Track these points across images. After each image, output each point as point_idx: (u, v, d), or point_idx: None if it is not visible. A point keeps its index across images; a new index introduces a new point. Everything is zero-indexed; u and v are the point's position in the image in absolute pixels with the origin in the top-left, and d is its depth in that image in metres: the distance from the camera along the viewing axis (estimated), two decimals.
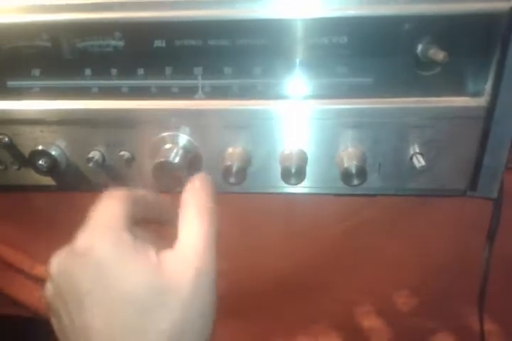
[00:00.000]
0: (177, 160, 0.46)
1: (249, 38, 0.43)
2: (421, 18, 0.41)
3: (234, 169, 0.46)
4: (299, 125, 0.47)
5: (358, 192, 0.51)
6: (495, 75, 0.43)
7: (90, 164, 0.48)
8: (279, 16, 0.42)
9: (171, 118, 0.47)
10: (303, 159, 0.47)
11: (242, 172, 0.46)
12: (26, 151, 0.49)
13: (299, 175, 0.46)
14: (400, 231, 0.59)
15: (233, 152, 0.47)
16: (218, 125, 0.47)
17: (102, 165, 0.49)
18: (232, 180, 0.46)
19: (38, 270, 0.63)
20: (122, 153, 0.49)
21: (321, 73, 0.45)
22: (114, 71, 0.46)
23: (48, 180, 0.51)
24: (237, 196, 0.52)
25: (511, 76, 0.42)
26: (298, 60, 0.44)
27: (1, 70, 0.47)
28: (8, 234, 0.62)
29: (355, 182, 0.46)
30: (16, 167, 0.50)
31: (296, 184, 0.47)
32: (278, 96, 0.46)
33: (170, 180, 0.46)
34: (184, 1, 0.43)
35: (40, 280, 0.62)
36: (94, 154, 0.49)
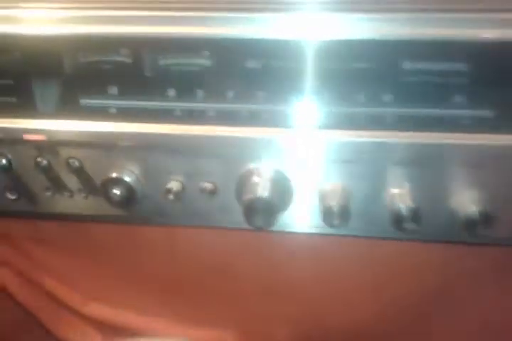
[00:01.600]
0: (268, 195, 0.40)
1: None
2: None
3: (336, 209, 0.40)
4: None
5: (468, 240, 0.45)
6: None
7: (169, 195, 0.43)
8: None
9: (262, 148, 0.42)
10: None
11: (347, 212, 0.40)
12: (98, 178, 0.44)
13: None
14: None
15: (333, 189, 0.42)
16: (320, 158, 0.42)
17: (181, 196, 0.44)
18: (335, 222, 0.40)
19: (90, 308, 0.57)
20: (204, 184, 0.44)
21: (437, 104, 0.39)
22: (200, 92, 0.41)
23: (118, 211, 0.46)
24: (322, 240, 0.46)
25: None
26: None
27: (74, 86, 0.42)
28: (62, 267, 0.57)
29: (480, 230, 0.40)
30: (83, 195, 0.45)
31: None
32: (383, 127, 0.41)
33: (262, 217, 0.40)
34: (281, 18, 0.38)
35: (88, 319, 0.56)
36: (174, 184, 0.43)
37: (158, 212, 0.45)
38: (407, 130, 0.40)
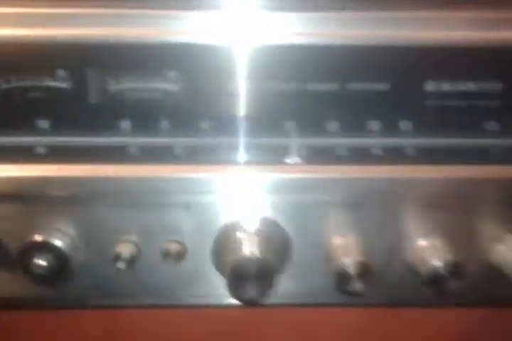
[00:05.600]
0: (262, 254, 0.30)
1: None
2: None
3: (353, 271, 0.30)
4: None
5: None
6: None
7: (119, 263, 0.31)
8: None
9: (246, 192, 0.32)
10: None
11: (369, 275, 0.30)
12: (15, 244, 0.31)
13: None
14: None
15: (345, 243, 0.32)
16: (321, 201, 0.32)
17: (136, 264, 0.32)
18: (350, 287, 0.30)
19: None
20: (169, 244, 0.32)
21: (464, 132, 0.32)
22: (164, 124, 0.31)
23: (42, 291, 0.32)
24: None
25: None
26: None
27: None
28: None
29: (450, 286, 0.31)
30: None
31: None
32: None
33: (253, 285, 0.29)
34: None
35: None
36: (125, 247, 0.31)
37: (101, 289, 0.33)
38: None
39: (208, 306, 0.33)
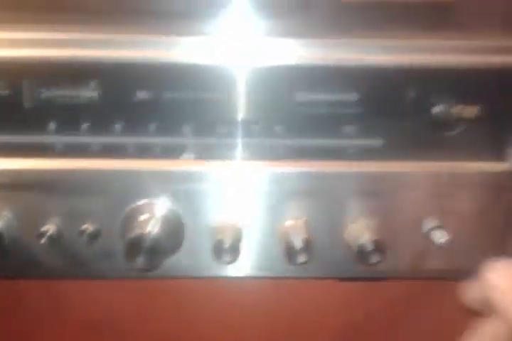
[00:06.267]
0: (156, 233, 0.37)
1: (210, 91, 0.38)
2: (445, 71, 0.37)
3: (227, 245, 0.37)
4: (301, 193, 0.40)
5: (367, 275, 0.43)
6: None
7: (42, 240, 0.38)
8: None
9: (149, 183, 0.39)
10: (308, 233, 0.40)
11: (236, 248, 0.37)
12: None
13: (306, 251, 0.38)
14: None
15: (225, 225, 0.39)
16: (211, 190, 0.39)
17: (58, 242, 0.39)
18: (225, 257, 0.37)
19: None
20: (85, 226, 0.39)
21: (323, 133, 0.39)
22: (84, 126, 0.39)
23: None
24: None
25: None
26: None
27: None
28: None
29: (373, 259, 0.38)
30: None
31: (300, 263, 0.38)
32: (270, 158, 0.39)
33: (147, 259, 0.36)
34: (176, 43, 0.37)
35: None
36: (49, 228, 0.39)
37: (31, 263, 0.40)
38: (299, 160, 0.39)
39: (115, 278, 0.40)
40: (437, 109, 0.38)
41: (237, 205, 0.40)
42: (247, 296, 0.47)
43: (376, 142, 0.40)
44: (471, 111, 0.36)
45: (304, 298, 0.49)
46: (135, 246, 0.36)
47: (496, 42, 0.37)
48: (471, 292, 0.37)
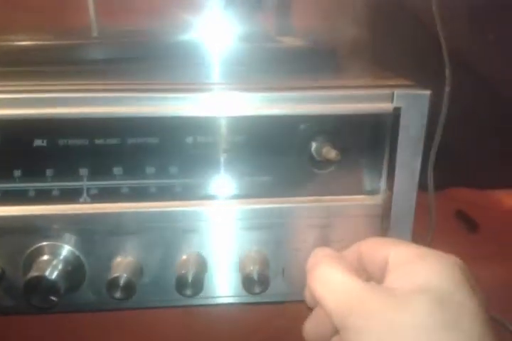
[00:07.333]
0: (55, 274, 0.40)
1: (140, 137, 0.41)
2: (313, 117, 0.42)
3: (121, 281, 0.40)
4: (196, 229, 0.44)
5: (265, 300, 0.47)
6: (388, 173, 0.44)
7: None
8: (173, 114, 0.41)
9: (50, 226, 0.42)
10: (202, 266, 0.43)
11: (132, 285, 0.40)
12: None
13: (196, 284, 0.41)
14: None
15: (121, 262, 0.42)
16: (105, 231, 0.42)
17: None
18: (118, 294, 0.40)
19: None
20: None
21: (218, 172, 0.43)
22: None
23: None
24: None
25: (403, 173, 0.43)
26: (192, 160, 0.43)
27: None
28: None
29: (257, 289, 0.42)
30: None
31: (193, 295, 0.42)
32: (173, 198, 0.43)
33: (44, 298, 0.39)
34: (70, 97, 0.40)
35: None
36: None
37: None
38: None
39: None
40: (313, 151, 0.43)
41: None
42: None
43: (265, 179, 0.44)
44: (332, 153, 0.40)
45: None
46: (32, 286, 0.39)
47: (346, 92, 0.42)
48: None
